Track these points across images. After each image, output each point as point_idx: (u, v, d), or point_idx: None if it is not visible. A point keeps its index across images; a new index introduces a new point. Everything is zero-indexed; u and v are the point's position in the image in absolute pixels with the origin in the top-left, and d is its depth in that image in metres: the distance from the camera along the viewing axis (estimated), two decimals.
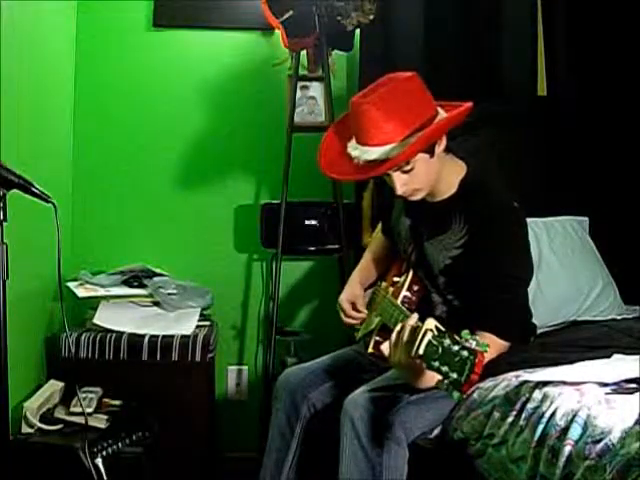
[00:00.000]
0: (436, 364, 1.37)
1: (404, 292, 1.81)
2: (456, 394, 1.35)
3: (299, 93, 2.69)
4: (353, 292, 1.97)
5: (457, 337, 1.36)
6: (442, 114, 1.65)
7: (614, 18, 2.58)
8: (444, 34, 2.68)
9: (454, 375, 1.34)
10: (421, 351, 1.41)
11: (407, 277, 1.84)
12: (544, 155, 2.52)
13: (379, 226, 2.16)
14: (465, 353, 1.34)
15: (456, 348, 1.35)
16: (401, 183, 1.66)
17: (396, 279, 1.90)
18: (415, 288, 1.83)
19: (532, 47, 2.66)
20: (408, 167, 1.63)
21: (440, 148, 1.67)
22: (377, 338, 1.80)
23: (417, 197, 1.73)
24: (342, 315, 1.97)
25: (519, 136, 2.50)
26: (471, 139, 2.28)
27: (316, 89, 2.72)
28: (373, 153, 1.59)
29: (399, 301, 1.78)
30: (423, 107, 1.62)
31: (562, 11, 2.66)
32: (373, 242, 2.14)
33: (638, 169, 2.52)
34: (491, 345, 1.64)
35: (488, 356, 1.64)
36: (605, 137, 2.58)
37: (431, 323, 1.44)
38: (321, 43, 2.63)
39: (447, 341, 1.37)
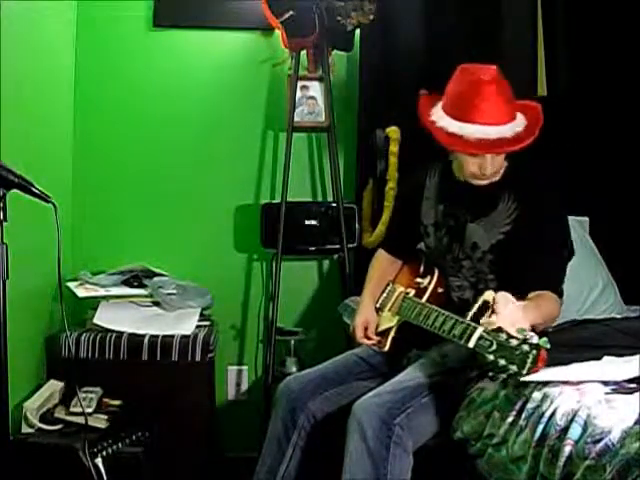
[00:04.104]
0: (492, 357, 1.44)
1: (429, 292, 1.89)
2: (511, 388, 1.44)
3: (299, 93, 2.69)
4: (367, 318, 1.99)
5: (513, 333, 1.44)
6: None
7: (614, 18, 2.58)
8: (444, 34, 2.68)
9: (514, 367, 1.41)
10: (471, 344, 1.50)
11: (433, 278, 1.92)
12: (544, 155, 2.52)
13: (373, 239, 2.20)
14: (526, 347, 1.40)
15: (515, 342, 1.42)
16: (492, 165, 1.79)
17: (419, 280, 1.95)
18: (440, 290, 1.90)
19: (532, 47, 2.66)
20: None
21: None
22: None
23: (487, 180, 1.84)
24: (355, 339, 2.00)
25: None
26: None
27: (316, 89, 2.72)
28: (490, 132, 1.71)
29: (424, 301, 1.86)
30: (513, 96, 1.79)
31: (562, 11, 2.66)
32: (376, 264, 2.15)
33: (638, 169, 2.52)
34: (552, 301, 1.76)
35: (553, 312, 1.75)
36: (605, 137, 2.58)
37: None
38: (321, 43, 2.64)
39: (503, 335, 1.45)
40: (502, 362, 1.42)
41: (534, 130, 1.76)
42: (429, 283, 1.91)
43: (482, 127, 1.71)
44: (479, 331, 1.52)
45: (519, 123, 1.76)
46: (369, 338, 1.97)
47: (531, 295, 1.75)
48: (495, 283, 1.86)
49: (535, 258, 1.79)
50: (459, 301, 1.90)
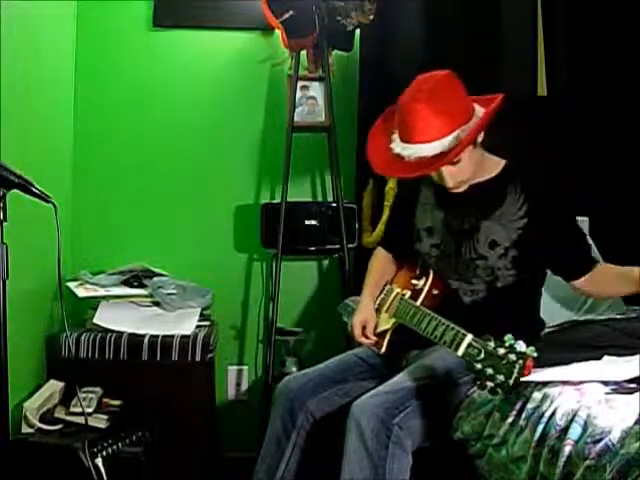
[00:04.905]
0: (479, 366, 1.44)
1: (424, 294, 1.87)
2: (500, 395, 1.44)
3: (299, 93, 2.69)
4: (366, 317, 1.98)
5: (500, 341, 1.44)
6: (477, 107, 1.75)
7: (614, 18, 2.58)
8: (444, 35, 2.68)
9: (501, 377, 1.41)
10: (460, 353, 1.51)
11: (427, 280, 1.89)
12: (544, 155, 2.52)
13: (373, 238, 2.20)
14: (513, 356, 1.40)
15: (502, 351, 1.42)
16: (451, 176, 1.78)
17: (414, 281, 1.93)
18: (435, 292, 1.88)
19: (532, 47, 2.66)
20: (456, 159, 1.72)
21: (480, 137, 1.77)
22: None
23: (462, 188, 1.84)
24: (354, 337, 1.99)
25: (519, 136, 2.50)
26: None
27: (316, 89, 2.72)
28: (425, 150, 1.68)
29: (419, 303, 1.84)
30: (463, 102, 1.74)
31: (562, 11, 2.66)
32: (375, 262, 2.14)
33: (638, 169, 2.53)
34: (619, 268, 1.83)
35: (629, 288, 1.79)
36: (605, 137, 2.58)
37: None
38: (321, 43, 2.64)
39: (491, 344, 1.45)
40: (489, 371, 1.42)
41: (481, 127, 1.71)
42: (424, 285, 1.89)
43: (419, 146, 1.69)
44: (468, 339, 1.52)
45: (471, 124, 1.70)
46: (367, 337, 1.96)
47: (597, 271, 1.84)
48: (514, 278, 1.83)
49: (573, 246, 1.84)
50: (472, 305, 1.86)
